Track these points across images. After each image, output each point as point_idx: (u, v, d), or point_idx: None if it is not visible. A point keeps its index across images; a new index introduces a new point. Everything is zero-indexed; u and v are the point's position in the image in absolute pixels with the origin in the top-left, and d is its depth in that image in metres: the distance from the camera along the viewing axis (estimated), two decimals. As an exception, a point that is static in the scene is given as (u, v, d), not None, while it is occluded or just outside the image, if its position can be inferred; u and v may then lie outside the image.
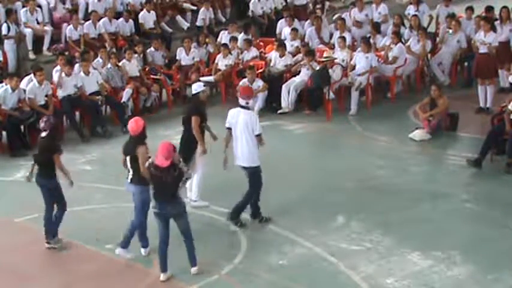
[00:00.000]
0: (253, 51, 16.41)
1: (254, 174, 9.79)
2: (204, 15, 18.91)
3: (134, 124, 8.87)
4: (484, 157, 11.68)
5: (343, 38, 15.78)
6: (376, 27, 16.79)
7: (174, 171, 8.30)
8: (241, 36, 17.02)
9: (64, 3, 17.84)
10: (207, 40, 17.11)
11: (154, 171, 8.36)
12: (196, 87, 10.61)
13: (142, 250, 9.18)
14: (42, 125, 9.40)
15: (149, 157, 8.73)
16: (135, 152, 8.76)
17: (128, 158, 8.89)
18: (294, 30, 16.99)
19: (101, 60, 15.20)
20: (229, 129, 9.88)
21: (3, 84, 13.66)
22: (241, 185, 10.64)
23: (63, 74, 14.09)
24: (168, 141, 8.64)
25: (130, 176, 8.92)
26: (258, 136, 9.68)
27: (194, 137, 10.34)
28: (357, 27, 17.38)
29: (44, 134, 9.39)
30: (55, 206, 9.47)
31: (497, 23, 15.52)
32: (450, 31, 16.27)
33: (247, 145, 9.68)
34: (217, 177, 11.46)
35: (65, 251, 9.47)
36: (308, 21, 17.76)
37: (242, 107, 9.80)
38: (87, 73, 14.40)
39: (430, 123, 13.14)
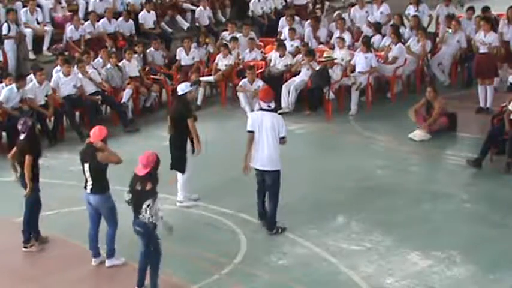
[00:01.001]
0: (256, 53, 16.38)
1: (277, 178, 9.60)
2: (202, 14, 18.90)
3: (98, 131, 8.78)
4: (484, 157, 11.67)
5: (342, 38, 15.78)
6: (377, 27, 16.77)
7: (148, 183, 7.97)
8: (240, 36, 17.01)
9: (60, 3, 17.82)
10: (207, 40, 17.11)
11: (132, 180, 8.12)
12: (184, 88, 10.58)
13: (93, 260, 9.10)
14: (19, 127, 9.36)
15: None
16: (95, 159, 8.65)
17: (86, 166, 8.76)
18: (292, 30, 16.98)
19: (101, 60, 15.21)
20: (252, 132, 9.59)
21: (3, 84, 13.66)
22: (241, 185, 10.65)
23: (61, 75, 14.10)
24: (152, 151, 8.52)
25: (90, 186, 8.78)
26: (283, 138, 9.50)
27: (184, 138, 10.34)
28: (369, 26, 17.39)
29: (22, 137, 9.35)
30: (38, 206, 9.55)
31: (504, 22, 15.52)
32: (450, 31, 16.26)
33: (274, 148, 9.47)
34: (217, 177, 11.48)
35: (63, 249, 9.49)
36: (309, 21, 17.76)
37: (265, 110, 9.60)
38: (85, 74, 14.40)
39: (430, 127, 13.13)
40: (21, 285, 8.87)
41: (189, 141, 10.50)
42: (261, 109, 9.68)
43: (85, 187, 8.86)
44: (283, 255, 9.19)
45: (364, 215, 10.25)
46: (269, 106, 9.60)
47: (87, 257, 9.26)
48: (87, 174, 8.77)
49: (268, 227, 9.73)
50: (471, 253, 9.04)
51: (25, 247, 9.54)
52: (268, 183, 9.64)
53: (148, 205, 7.94)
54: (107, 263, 9.00)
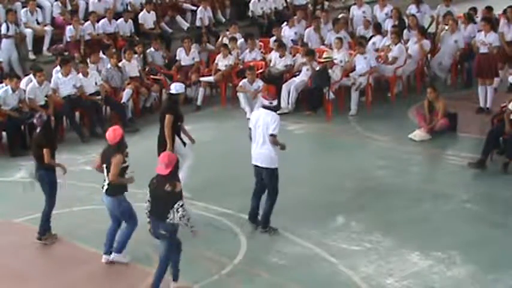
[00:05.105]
0: (256, 53, 16.36)
1: (272, 176, 9.60)
2: (202, 14, 18.89)
3: (112, 133, 8.73)
4: (487, 157, 11.66)
5: (340, 39, 15.76)
6: (378, 28, 16.77)
7: (170, 184, 7.89)
8: (241, 41, 16.97)
9: (66, 7, 17.81)
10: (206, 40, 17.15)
11: (154, 180, 8.04)
12: (178, 88, 10.59)
13: (104, 257, 9.07)
14: (35, 121, 9.65)
15: (127, 166, 8.69)
16: (111, 160, 8.64)
17: (104, 166, 8.75)
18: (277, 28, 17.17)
19: (104, 57, 15.25)
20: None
21: (3, 84, 13.67)
22: (241, 185, 10.64)
23: (60, 75, 14.11)
24: (171, 152, 8.47)
25: (105, 187, 8.77)
26: (272, 137, 9.43)
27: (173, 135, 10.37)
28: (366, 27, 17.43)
29: (37, 130, 9.60)
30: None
31: (504, 22, 15.53)
32: (446, 27, 16.25)
33: (268, 146, 9.50)
34: (217, 177, 11.48)
35: (63, 250, 9.50)
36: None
37: (265, 107, 9.62)
38: (85, 74, 14.41)
39: (434, 128, 13.14)
40: (21, 285, 8.87)
41: (177, 139, 10.48)
42: (263, 106, 9.72)
43: (102, 187, 8.85)
44: (283, 255, 9.19)
45: (364, 215, 10.25)
46: (270, 103, 9.62)
47: (87, 257, 9.27)
48: (105, 174, 8.77)
49: (262, 224, 9.76)
50: (471, 253, 9.04)
51: (39, 239, 9.61)
52: (265, 181, 9.68)
53: (181, 205, 7.86)
54: (112, 256, 8.97)
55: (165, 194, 7.90)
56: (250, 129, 9.74)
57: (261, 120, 9.55)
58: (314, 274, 8.72)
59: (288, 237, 9.62)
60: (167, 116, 10.33)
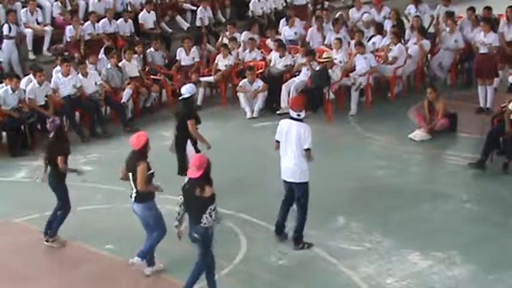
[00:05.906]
0: (256, 53, 16.35)
1: (305, 190, 9.29)
2: (202, 14, 18.89)
3: (135, 139, 8.55)
4: (487, 158, 11.66)
5: (339, 40, 15.76)
6: (379, 28, 16.78)
7: (206, 188, 7.77)
8: (244, 34, 17.00)
9: (66, 7, 17.81)
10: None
11: (187, 184, 7.92)
12: (190, 90, 10.58)
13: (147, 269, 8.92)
14: (47, 126, 9.54)
15: (152, 174, 8.53)
16: (136, 168, 8.47)
17: (130, 175, 8.57)
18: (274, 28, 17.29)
19: (105, 58, 15.26)
20: (279, 142, 9.29)
21: (3, 84, 13.67)
22: (241, 185, 10.64)
23: (60, 75, 14.11)
24: (202, 154, 8.39)
25: (134, 195, 8.59)
26: (307, 151, 9.14)
27: (186, 138, 10.36)
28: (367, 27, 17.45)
29: (51, 135, 9.47)
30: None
31: (504, 22, 15.52)
32: (447, 29, 16.25)
33: (300, 159, 9.11)
34: (217, 177, 11.45)
35: (63, 250, 9.51)
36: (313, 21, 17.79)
37: (294, 119, 9.20)
38: (85, 75, 14.41)
39: (434, 128, 13.14)
40: (21, 285, 8.87)
41: (189, 142, 10.50)
42: (291, 118, 9.28)
43: (130, 196, 8.67)
44: (283, 255, 9.20)
45: (364, 215, 10.25)
46: (298, 115, 9.19)
47: (88, 257, 9.27)
48: (132, 183, 8.59)
49: (294, 242, 9.42)
50: (471, 253, 9.05)
51: (47, 241, 9.57)
52: (297, 196, 9.35)
53: (213, 209, 7.78)
54: (134, 259, 8.65)
55: (196, 198, 7.79)
56: (277, 141, 9.31)
57: (293, 133, 9.13)
58: (314, 274, 8.73)
59: (288, 237, 9.61)
60: (190, 121, 10.36)
